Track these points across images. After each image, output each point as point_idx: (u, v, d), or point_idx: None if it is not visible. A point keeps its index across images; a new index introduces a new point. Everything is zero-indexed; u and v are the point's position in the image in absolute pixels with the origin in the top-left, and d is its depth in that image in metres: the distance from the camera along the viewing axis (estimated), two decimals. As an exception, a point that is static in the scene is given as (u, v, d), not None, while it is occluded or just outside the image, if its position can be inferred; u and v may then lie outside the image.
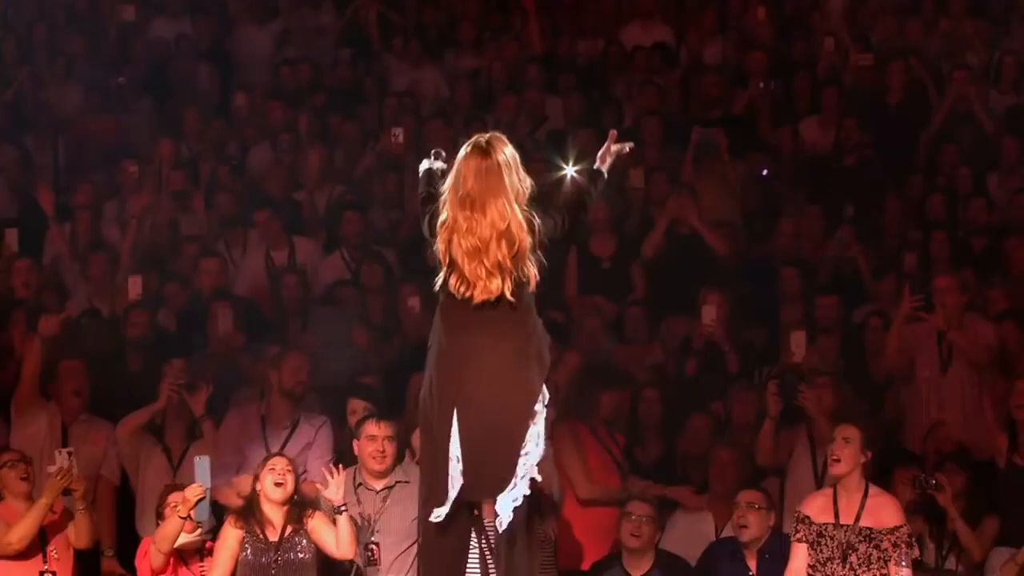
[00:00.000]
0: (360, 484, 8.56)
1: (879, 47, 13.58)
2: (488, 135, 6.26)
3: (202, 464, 8.20)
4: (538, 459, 6.27)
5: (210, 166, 12.47)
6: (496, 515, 6.22)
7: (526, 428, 6.23)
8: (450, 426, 6.19)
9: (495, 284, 6.08)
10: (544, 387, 6.31)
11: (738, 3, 14.57)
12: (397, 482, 8.54)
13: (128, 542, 8.99)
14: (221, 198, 11.68)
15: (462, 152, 6.19)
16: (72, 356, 9.58)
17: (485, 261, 6.07)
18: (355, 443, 8.63)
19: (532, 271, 6.13)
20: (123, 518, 9.32)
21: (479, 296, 6.11)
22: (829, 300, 10.43)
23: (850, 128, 12.19)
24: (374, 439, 8.51)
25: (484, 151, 6.14)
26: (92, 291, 11.05)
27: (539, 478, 6.32)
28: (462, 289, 6.12)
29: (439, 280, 6.16)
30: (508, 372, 6.19)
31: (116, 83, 13.83)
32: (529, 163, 11.17)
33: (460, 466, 6.17)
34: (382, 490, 8.54)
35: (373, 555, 8.42)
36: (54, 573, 8.35)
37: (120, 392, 9.65)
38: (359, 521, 8.32)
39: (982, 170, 12.05)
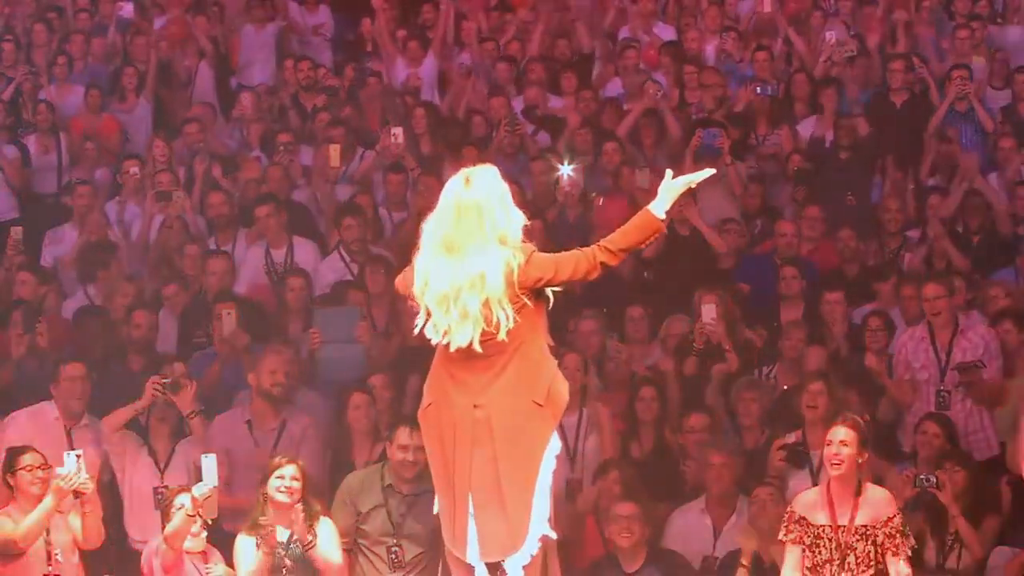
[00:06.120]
0: (389, 485, 8.59)
1: (880, 46, 13.58)
2: (476, 169, 6.09)
3: (209, 462, 8.20)
4: (547, 513, 6.16)
5: (207, 165, 12.45)
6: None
7: (534, 486, 6.09)
8: (458, 488, 6.11)
9: (464, 333, 5.93)
10: (556, 436, 6.19)
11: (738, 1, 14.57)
12: (426, 490, 8.52)
13: (115, 543, 9.01)
14: (222, 197, 11.67)
15: (446, 187, 6.05)
16: (74, 359, 9.55)
17: (452, 308, 5.93)
18: (387, 446, 8.66)
19: (508, 311, 5.93)
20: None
21: (453, 344, 5.98)
22: (835, 296, 10.40)
23: (849, 127, 12.17)
24: (405, 448, 8.51)
25: (465, 188, 5.97)
26: (92, 291, 11.05)
27: (553, 535, 6.21)
28: (438, 335, 6.01)
29: (418, 324, 6.05)
30: (510, 431, 6.04)
31: (116, 83, 13.83)
32: (529, 162, 11.33)
33: (474, 525, 6.10)
34: (409, 495, 8.56)
35: (397, 557, 8.47)
36: (59, 576, 8.39)
37: (120, 394, 9.64)
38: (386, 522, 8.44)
39: (982, 169, 12.03)
